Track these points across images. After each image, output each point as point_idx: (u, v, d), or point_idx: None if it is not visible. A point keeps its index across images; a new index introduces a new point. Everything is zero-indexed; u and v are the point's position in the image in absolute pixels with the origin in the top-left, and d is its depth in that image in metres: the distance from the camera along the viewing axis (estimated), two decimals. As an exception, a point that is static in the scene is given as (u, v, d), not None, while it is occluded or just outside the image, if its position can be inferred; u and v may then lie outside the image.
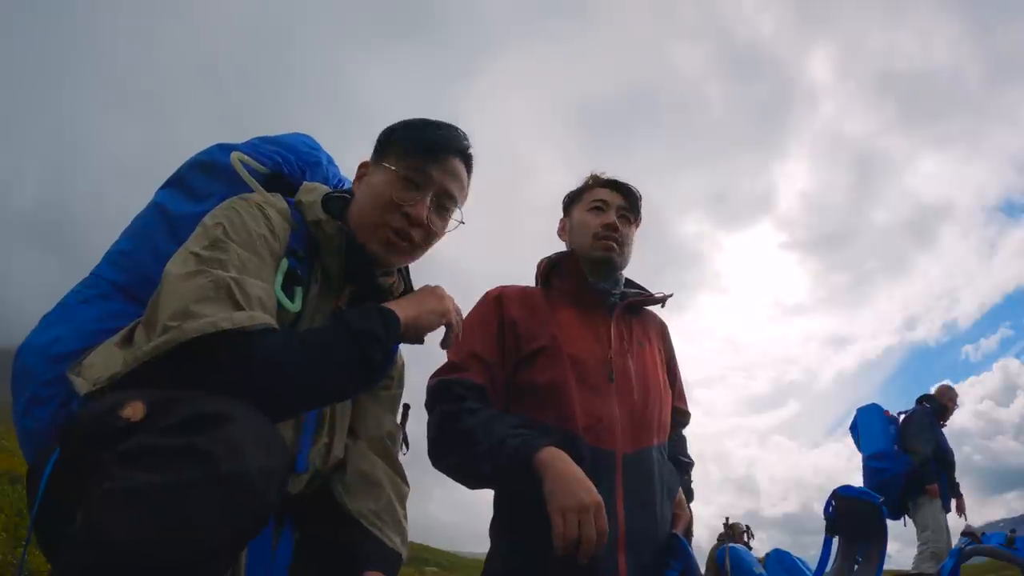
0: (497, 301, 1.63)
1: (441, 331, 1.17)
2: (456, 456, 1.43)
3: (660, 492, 1.51)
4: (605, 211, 1.68)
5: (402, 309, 1.06)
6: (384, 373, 1.21)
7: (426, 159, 1.13)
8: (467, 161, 1.20)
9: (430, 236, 1.16)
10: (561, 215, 1.84)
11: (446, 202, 1.16)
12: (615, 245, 1.64)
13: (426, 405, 1.53)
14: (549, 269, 1.70)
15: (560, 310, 1.62)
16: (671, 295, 1.75)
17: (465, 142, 1.20)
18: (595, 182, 1.75)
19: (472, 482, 1.48)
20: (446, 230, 1.19)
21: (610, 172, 1.77)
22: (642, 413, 1.53)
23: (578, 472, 1.28)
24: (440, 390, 1.49)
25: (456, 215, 1.19)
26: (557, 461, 1.29)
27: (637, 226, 1.75)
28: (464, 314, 1.23)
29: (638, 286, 1.78)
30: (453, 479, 1.49)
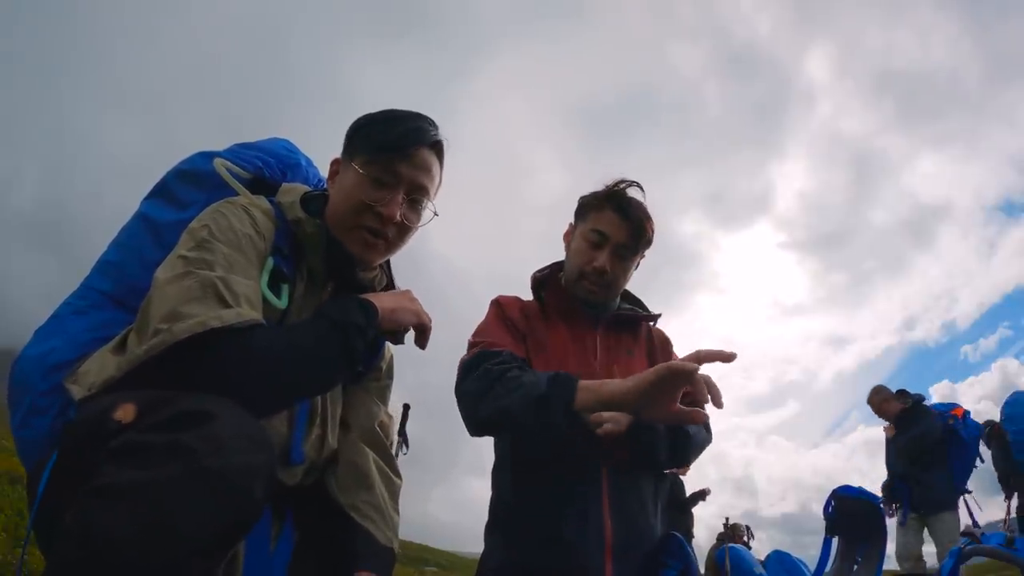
0: (497, 304, 1.67)
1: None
2: (505, 399, 1.35)
3: (647, 500, 1.52)
4: (601, 247, 1.59)
5: (380, 301, 1.10)
6: (369, 364, 1.25)
7: (393, 157, 1.15)
8: (437, 150, 1.21)
9: (405, 231, 1.19)
10: (562, 216, 1.82)
11: (418, 196, 1.18)
12: (598, 290, 1.61)
13: (463, 367, 1.49)
14: (539, 284, 1.71)
15: (551, 323, 1.65)
16: (660, 315, 1.76)
17: (432, 132, 1.20)
18: (608, 199, 1.61)
19: (518, 419, 1.36)
20: (420, 223, 1.21)
21: (621, 173, 1.64)
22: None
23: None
24: (482, 356, 1.46)
25: (429, 207, 1.21)
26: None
27: (643, 255, 1.68)
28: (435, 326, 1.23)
29: (634, 300, 1.78)
30: (497, 423, 1.44)
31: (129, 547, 0.67)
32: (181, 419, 0.74)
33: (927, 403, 5.19)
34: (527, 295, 1.75)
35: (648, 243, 1.64)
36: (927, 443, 4.92)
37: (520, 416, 1.32)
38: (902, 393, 5.28)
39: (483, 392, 1.39)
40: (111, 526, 0.67)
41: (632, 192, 1.62)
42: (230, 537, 0.76)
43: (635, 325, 1.73)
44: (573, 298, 1.65)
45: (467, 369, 1.47)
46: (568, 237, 1.72)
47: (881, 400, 5.29)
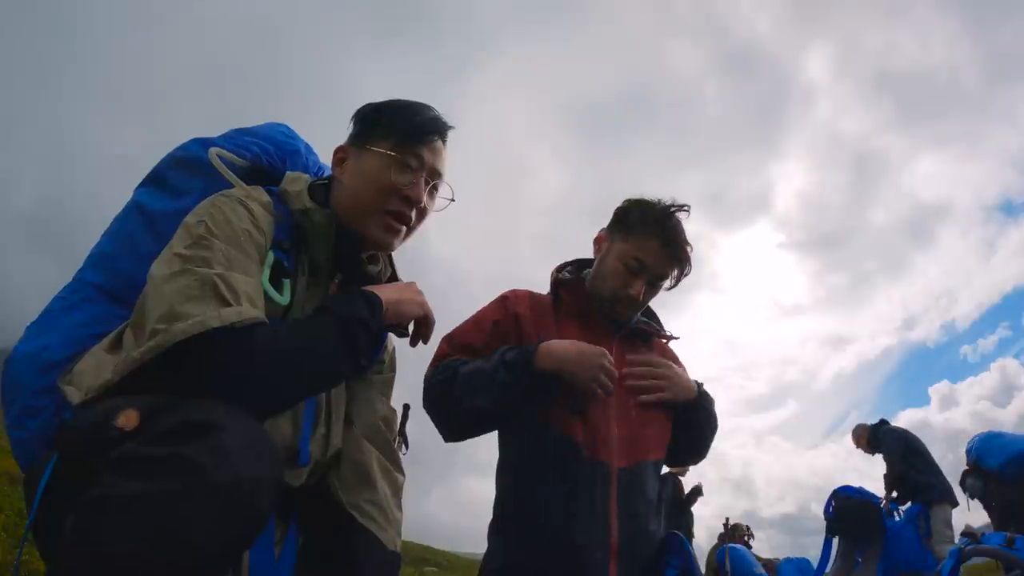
0: (503, 299, 1.65)
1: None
2: (469, 395, 1.44)
3: (651, 505, 1.53)
4: (638, 276, 1.53)
5: (385, 294, 1.08)
6: (374, 358, 1.22)
7: (418, 142, 1.15)
8: (446, 141, 1.23)
9: (423, 216, 1.19)
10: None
11: (437, 181, 1.19)
12: (628, 313, 1.61)
13: (425, 381, 1.55)
14: (560, 284, 1.66)
15: (565, 323, 1.60)
16: (678, 337, 1.73)
17: (444, 121, 1.22)
18: (656, 228, 1.53)
19: (489, 411, 1.47)
20: (436, 209, 1.22)
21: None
22: (639, 429, 1.53)
23: (572, 343, 1.45)
24: (434, 374, 1.54)
25: (446, 192, 1.22)
26: (554, 344, 1.45)
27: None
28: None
29: (651, 315, 1.74)
30: (472, 426, 1.55)
31: (131, 559, 0.66)
32: (185, 430, 0.72)
33: (888, 425, 5.38)
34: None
35: (674, 282, 1.63)
36: (892, 470, 5.09)
37: (486, 402, 1.43)
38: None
39: (439, 403, 1.49)
40: (113, 537, 0.66)
41: (681, 217, 1.56)
42: (234, 549, 0.76)
43: (649, 340, 1.70)
44: (595, 306, 1.61)
45: (426, 382, 1.55)
46: (601, 243, 1.65)
47: (858, 438, 5.60)
